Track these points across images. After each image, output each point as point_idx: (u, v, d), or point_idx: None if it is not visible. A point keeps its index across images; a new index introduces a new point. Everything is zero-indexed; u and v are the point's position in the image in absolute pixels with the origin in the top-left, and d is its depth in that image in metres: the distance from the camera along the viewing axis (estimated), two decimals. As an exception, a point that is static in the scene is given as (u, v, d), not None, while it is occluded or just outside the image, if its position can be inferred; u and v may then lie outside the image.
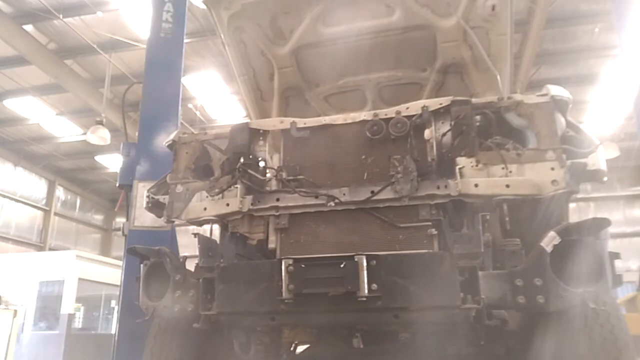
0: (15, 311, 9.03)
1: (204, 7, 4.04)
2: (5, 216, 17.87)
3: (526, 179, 2.35)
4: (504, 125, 2.56)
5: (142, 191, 4.31)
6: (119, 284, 4.81)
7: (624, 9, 6.33)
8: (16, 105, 14.67)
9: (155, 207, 2.98)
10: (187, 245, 3.89)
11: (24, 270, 11.63)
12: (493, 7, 3.83)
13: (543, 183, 2.32)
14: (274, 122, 2.96)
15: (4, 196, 17.86)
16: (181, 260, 2.71)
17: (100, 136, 12.59)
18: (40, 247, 19.31)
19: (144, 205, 3.04)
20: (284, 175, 2.73)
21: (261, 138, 2.90)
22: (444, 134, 2.58)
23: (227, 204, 2.66)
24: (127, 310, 4.47)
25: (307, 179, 2.70)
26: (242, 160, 2.78)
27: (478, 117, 2.56)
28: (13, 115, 15.31)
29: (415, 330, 2.59)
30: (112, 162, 18.29)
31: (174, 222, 2.92)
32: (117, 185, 4.99)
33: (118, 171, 5.06)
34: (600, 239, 2.18)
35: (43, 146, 17.76)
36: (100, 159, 18.64)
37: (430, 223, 2.45)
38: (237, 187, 2.67)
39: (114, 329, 10.00)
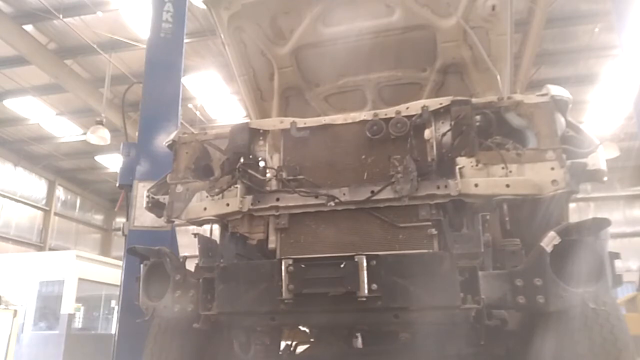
0: (15, 311, 9.02)
1: (204, 7, 4.04)
2: (5, 216, 17.87)
3: (526, 178, 2.35)
4: (504, 125, 2.56)
5: (142, 191, 4.31)
6: (119, 284, 4.81)
7: (624, 9, 6.33)
8: (16, 105, 14.67)
9: (155, 207, 2.98)
10: (187, 245, 3.89)
11: (24, 270, 11.62)
12: (493, 7, 3.83)
13: (543, 183, 2.32)
14: (274, 122, 2.96)
15: (4, 196, 17.86)
16: (181, 260, 2.71)
17: (100, 136, 12.59)
18: (40, 247, 19.31)
19: (144, 205, 3.04)
20: (284, 175, 2.72)
21: (261, 138, 2.89)
22: (444, 134, 2.58)
23: (227, 204, 2.66)
24: (127, 310, 4.46)
25: (307, 179, 2.70)
26: (242, 160, 2.77)
27: (478, 117, 2.56)
28: (13, 115, 15.30)
29: (415, 330, 2.59)
30: (112, 162, 18.28)
31: (174, 222, 2.92)
32: (117, 185, 4.99)
33: (118, 171, 5.05)
34: (600, 239, 2.18)
35: (43, 146, 17.76)
36: (100, 159, 18.64)
37: (430, 223, 2.44)
38: (237, 187, 2.67)
39: (114, 329, 10.01)
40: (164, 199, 2.92)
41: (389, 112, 2.69)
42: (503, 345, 2.69)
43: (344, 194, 2.54)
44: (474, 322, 2.18)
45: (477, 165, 2.41)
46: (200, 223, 2.78)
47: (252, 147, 2.85)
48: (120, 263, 5.15)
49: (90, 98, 13.15)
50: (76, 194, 21.98)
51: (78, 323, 11.98)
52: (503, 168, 2.39)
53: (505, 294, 2.19)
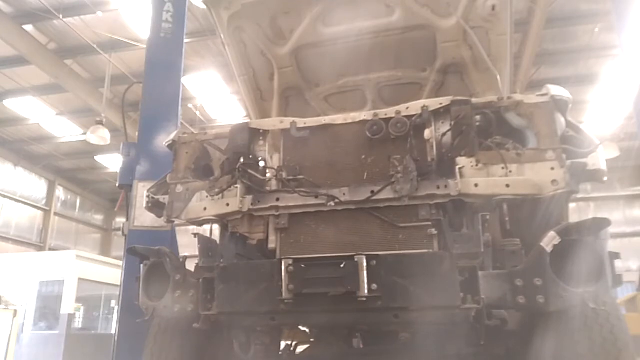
0: (15, 311, 9.02)
1: (204, 7, 4.04)
2: (5, 216, 17.87)
3: (526, 178, 2.35)
4: (504, 125, 2.56)
5: (142, 191, 4.31)
6: (119, 284, 4.81)
7: (624, 9, 6.34)
8: (16, 105, 14.67)
9: (155, 207, 2.98)
10: (187, 245, 3.89)
11: (24, 270, 11.62)
12: (493, 7, 3.83)
13: (543, 183, 2.32)
14: (274, 122, 2.96)
15: (4, 196, 17.86)
16: (181, 260, 2.71)
17: (100, 136, 12.59)
18: (40, 247, 19.31)
19: (144, 205, 3.04)
20: (284, 175, 2.72)
21: (261, 138, 2.89)
22: (444, 134, 2.58)
23: (227, 204, 2.66)
24: (127, 310, 4.47)
25: (307, 179, 2.70)
26: (242, 160, 2.77)
27: (478, 117, 2.56)
28: (13, 115, 15.30)
29: (415, 330, 2.59)
30: (112, 162, 18.28)
31: (174, 222, 2.92)
32: (117, 185, 4.99)
33: (118, 171, 5.06)
34: (600, 239, 2.17)
35: (43, 146, 17.76)
36: (100, 159, 18.64)
37: (430, 223, 2.44)
38: (237, 187, 2.67)
39: (114, 329, 10.01)
40: (164, 199, 2.92)
41: (389, 112, 2.69)
42: (503, 345, 2.69)
43: (344, 194, 2.54)
44: (474, 322, 2.18)
45: (477, 165, 2.41)
46: (200, 223, 2.78)
47: (252, 147, 2.85)
48: (120, 263, 5.15)
49: (90, 98, 13.15)
50: (76, 194, 21.97)
51: (78, 323, 11.98)
52: (503, 168, 2.39)
53: (505, 294, 2.19)
